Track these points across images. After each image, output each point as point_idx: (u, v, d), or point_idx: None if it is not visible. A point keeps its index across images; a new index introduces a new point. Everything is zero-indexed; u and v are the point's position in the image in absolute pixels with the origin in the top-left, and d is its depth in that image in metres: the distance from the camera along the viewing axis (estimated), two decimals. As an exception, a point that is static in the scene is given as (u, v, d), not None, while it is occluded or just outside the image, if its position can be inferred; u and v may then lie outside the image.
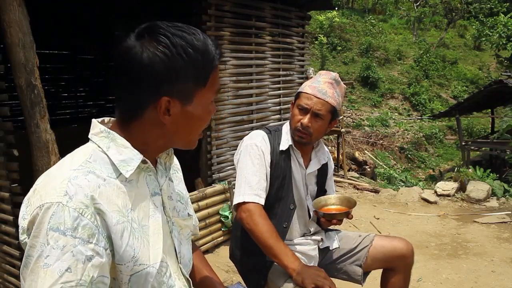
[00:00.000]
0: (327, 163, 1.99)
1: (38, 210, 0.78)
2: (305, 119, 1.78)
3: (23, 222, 0.81)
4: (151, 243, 0.91)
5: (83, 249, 0.77)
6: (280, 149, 1.84)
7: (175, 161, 1.12)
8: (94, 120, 0.93)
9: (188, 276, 1.04)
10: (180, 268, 1.01)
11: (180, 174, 1.14)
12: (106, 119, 0.95)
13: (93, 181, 0.83)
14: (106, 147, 0.88)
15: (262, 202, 1.73)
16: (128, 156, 0.89)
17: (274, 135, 1.87)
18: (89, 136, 0.91)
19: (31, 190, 0.84)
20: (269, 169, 1.80)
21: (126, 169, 0.88)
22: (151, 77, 0.84)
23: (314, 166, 1.92)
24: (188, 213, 1.09)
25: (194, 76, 0.87)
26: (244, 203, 1.71)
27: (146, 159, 0.91)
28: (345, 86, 1.91)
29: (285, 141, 1.85)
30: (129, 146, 0.89)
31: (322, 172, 1.97)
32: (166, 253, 0.95)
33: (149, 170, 0.94)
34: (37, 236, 0.77)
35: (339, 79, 1.85)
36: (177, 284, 0.97)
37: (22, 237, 0.81)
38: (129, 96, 0.87)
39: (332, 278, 1.61)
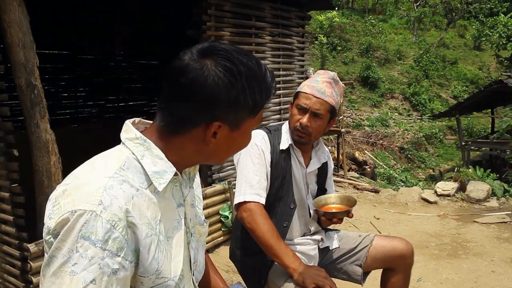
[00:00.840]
0: (327, 162, 1.99)
1: (70, 215, 0.76)
2: (304, 119, 1.78)
3: (49, 222, 0.79)
4: (173, 256, 0.90)
5: (110, 262, 0.77)
6: (280, 148, 1.84)
7: None
8: (128, 122, 0.91)
9: (196, 284, 1.04)
10: (192, 279, 1.01)
11: (198, 179, 1.13)
12: (137, 119, 0.94)
13: (127, 191, 0.82)
14: (140, 155, 0.87)
15: (263, 201, 1.73)
16: (162, 168, 0.87)
17: (274, 134, 1.87)
18: (123, 140, 0.89)
19: (59, 189, 0.82)
20: (269, 169, 1.80)
21: (159, 181, 0.87)
22: (211, 100, 0.83)
23: (314, 165, 1.92)
24: (204, 220, 1.09)
25: (249, 106, 0.87)
26: (244, 202, 1.71)
27: (178, 172, 0.91)
28: (343, 85, 1.90)
29: (285, 141, 1.86)
30: (163, 158, 0.88)
31: (322, 171, 1.97)
32: (183, 265, 0.95)
33: (176, 181, 0.94)
34: (65, 240, 0.76)
35: (338, 78, 1.84)
36: None
37: (47, 237, 0.80)
38: (181, 112, 0.86)
39: (332, 278, 1.61)
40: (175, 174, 0.90)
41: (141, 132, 0.89)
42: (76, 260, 0.75)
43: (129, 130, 0.89)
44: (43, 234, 0.81)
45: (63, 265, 0.75)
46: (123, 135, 0.89)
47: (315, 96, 1.76)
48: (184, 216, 0.96)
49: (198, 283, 1.06)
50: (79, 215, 0.76)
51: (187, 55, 0.85)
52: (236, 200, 1.74)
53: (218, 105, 0.84)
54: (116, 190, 0.80)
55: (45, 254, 0.80)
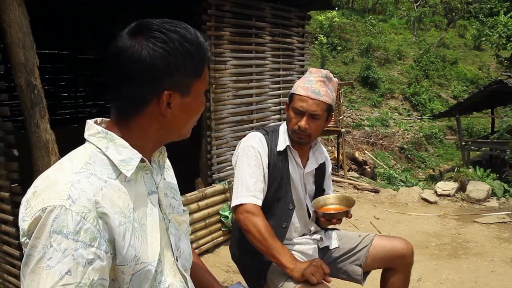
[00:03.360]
0: (324, 162, 1.99)
1: (41, 212, 0.78)
2: (302, 122, 1.77)
3: (23, 224, 0.81)
4: (149, 241, 0.92)
5: (85, 252, 0.79)
6: (278, 149, 1.84)
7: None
8: (89, 121, 0.93)
9: (184, 273, 1.04)
10: (177, 265, 1.02)
11: (171, 172, 1.16)
12: (99, 119, 0.96)
13: (95, 183, 0.84)
14: (105, 148, 0.89)
15: (260, 203, 1.73)
16: (127, 155, 0.90)
17: (271, 136, 1.87)
18: (86, 137, 0.92)
19: (30, 192, 0.84)
20: (266, 170, 1.80)
21: (127, 168, 0.89)
22: (153, 73, 0.86)
23: (312, 166, 1.92)
24: (183, 209, 1.11)
25: (191, 68, 0.90)
26: (241, 205, 1.72)
27: (144, 158, 0.93)
28: (337, 80, 1.90)
29: (282, 142, 1.86)
30: (127, 146, 0.90)
31: (320, 172, 1.97)
32: (161, 250, 0.96)
33: (146, 169, 0.96)
34: (39, 238, 0.78)
35: (331, 75, 1.83)
36: (169, 280, 0.97)
37: (23, 238, 0.82)
38: (130, 94, 0.88)
39: (332, 278, 1.62)
40: (142, 161, 0.92)
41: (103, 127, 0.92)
42: (51, 255, 0.77)
43: (90, 127, 0.92)
44: (20, 238, 0.83)
45: (39, 261, 0.77)
46: (86, 133, 0.92)
47: (310, 98, 1.76)
48: (158, 202, 0.98)
49: (188, 272, 1.07)
50: (50, 211, 0.78)
51: (119, 39, 0.89)
52: (233, 203, 1.75)
53: (160, 75, 0.87)
54: (83, 184, 0.82)
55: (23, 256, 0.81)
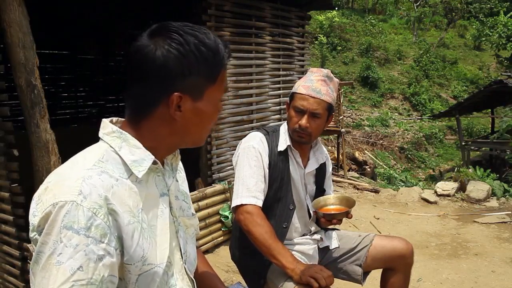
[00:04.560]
0: (325, 162, 1.99)
1: (52, 208, 0.78)
2: (303, 121, 1.77)
3: (33, 220, 0.81)
4: (158, 243, 0.92)
5: (95, 248, 0.78)
6: (278, 150, 1.84)
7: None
8: (104, 120, 0.93)
9: (192, 276, 1.04)
10: (185, 268, 1.01)
11: (183, 174, 1.16)
12: (115, 119, 0.96)
13: (106, 181, 0.84)
14: (118, 147, 0.89)
15: (260, 204, 1.73)
16: (140, 156, 0.90)
17: (272, 136, 1.87)
18: (100, 136, 0.92)
19: (42, 188, 0.84)
20: (267, 171, 1.80)
21: (138, 169, 0.89)
22: (164, 73, 0.86)
23: (312, 166, 1.92)
24: (192, 213, 1.11)
25: (205, 72, 0.89)
26: (242, 205, 1.71)
27: (157, 160, 0.93)
28: (338, 80, 1.90)
29: (283, 142, 1.85)
30: (141, 147, 0.90)
31: (320, 172, 1.97)
32: (171, 253, 0.96)
33: (158, 171, 0.95)
34: (49, 234, 0.77)
35: (331, 74, 1.83)
36: (179, 284, 0.97)
37: (32, 234, 0.81)
38: (142, 93, 0.88)
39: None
40: (155, 163, 0.92)
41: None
42: (61, 250, 0.76)
43: (105, 126, 0.92)
44: (30, 234, 0.83)
45: (50, 258, 0.76)
46: (100, 132, 0.92)
47: (311, 96, 1.76)
48: (169, 205, 0.98)
49: (192, 276, 1.07)
50: (60, 207, 0.78)
51: (139, 39, 0.89)
52: (234, 203, 1.75)
53: (171, 76, 0.86)
54: (94, 180, 0.82)
55: (33, 253, 0.81)
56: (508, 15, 22.78)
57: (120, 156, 0.89)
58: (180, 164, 1.14)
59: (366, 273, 1.97)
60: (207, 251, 4.02)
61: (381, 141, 16.00)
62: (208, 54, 0.88)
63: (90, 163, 0.85)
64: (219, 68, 0.91)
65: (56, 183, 0.82)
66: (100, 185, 0.82)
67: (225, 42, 0.94)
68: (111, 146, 0.89)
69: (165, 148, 0.96)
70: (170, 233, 0.95)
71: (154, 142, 0.92)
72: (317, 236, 1.97)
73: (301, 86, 1.80)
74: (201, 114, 0.92)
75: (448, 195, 6.20)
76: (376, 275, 2.04)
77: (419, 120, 19.68)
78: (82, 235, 0.77)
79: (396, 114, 20.06)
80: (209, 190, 4.05)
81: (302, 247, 1.91)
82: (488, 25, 23.65)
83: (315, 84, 1.78)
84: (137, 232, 0.87)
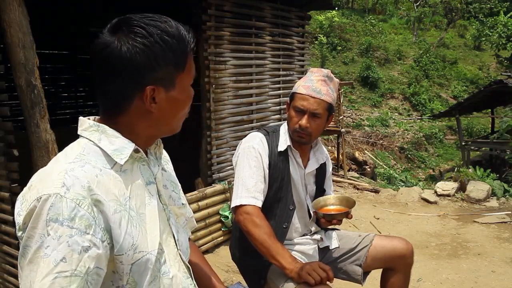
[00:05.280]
0: (325, 162, 1.99)
1: (36, 202, 0.79)
2: (303, 121, 1.77)
3: (19, 219, 0.81)
4: (148, 231, 0.92)
5: (80, 239, 0.78)
6: (278, 150, 1.84)
7: (165, 153, 1.14)
8: (81, 117, 0.94)
9: (188, 263, 1.04)
10: (180, 255, 1.01)
11: (170, 165, 1.16)
12: (92, 117, 0.96)
13: (89, 171, 0.84)
14: (97, 140, 0.89)
15: (260, 204, 1.73)
16: (120, 145, 0.90)
17: (272, 136, 1.87)
18: (79, 133, 0.92)
19: (26, 187, 0.85)
20: (267, 171, 1.80)
21: (120, 157, 0.89)
22: (134, 69, 0.86)
23: (312, 166, 1.92)
24: (182, 203, 1.11)
25: (173, 61, 0.89)
26: (241, 206, 1.71)
27: (139, 148, 0.93)
28: (338, 80, 1.90)
29: (283, 142, 1.85)
30: (120, 136, 0.91)
31: (320, 172, 1.97)
32: (164, 240, 0.96)
33: (142, 160, 0.96)
34: (35, 227, 0.78)
35: (332, 75, 1.84)
36: (173, 271, 0.97)
37: (19, 233, 0.82)
38: (113, 91, 0.88)
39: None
40: (137, 151, 0.92)
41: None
42: (48, 243, 0.76)
43: (83, 123, 0.93)
44: (17, 233, 0.83)
45: (37, 251, 0.77)
46: (79, 129, 0.93)
47: (311, 97, 1.76)
48: (157, 193, 0.98)
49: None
50: (45, 200, 0.78)
51: (100, 36, 0.89)
52: (233, 204, 1.75)
53: (141, 70, 0.86)
54: (77, 171, 0.83)
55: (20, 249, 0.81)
56: (508, 15, 22.77)
57: (100, 148, 0.89)
58: (167, 156, 1.15)
59: (366, 273, 1.98)
60: (207, 251, 4.02)
61: (381, 141, 16.00)
62: (173, 42, 0.88)
63: (72, 157, 0.86)
64: (185, 55, 0.92)
65: (39, 180, 0.83)
66: (83, 176, 0.82)
67: (186, 26, 0.94)
68: (90, 140, 0.90)
69: (144, 140, 0.96)
70: (161, 221, 0.96)
71: (132, 135, 0.92)
72: (317, 236, 1.97)
73: (301, 86, 1.80)
74: (176, 102, 0.93)
75: (448, 195, 6.20)
76: (376, 275, 2.04)
77: (419, 120, 19.68)
78: (66, 226, 0.77)
79: (396, 114, 20.06)
80: (209, 190, 4.05)
81: (302, 247, 1.91)
82: (488, 25, 23.65)
83: (315, 84, 1.78)
84: (125, 220, 0.86)
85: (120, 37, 0.86)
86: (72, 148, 0.90)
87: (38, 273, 0.75)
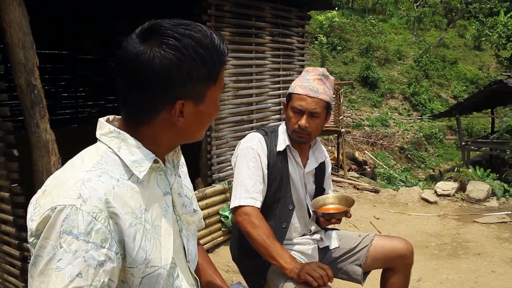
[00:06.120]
0: (324, 161, 1.99)
1: (50, 212, 0.76)
2: (302, 121, 1.77)
3: (31, 224, 0.79)
4: (162, 244, 0.90)
5: (96, 254, 0.77)
6: (277, 150, 1.84)
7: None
8: (101, 120, 0.90)
9: (195, 275, 1.04)
10: (189, 267, 1.01)
11: (185, 169, 1.14)
12: (111, 117, 0.93)
13: (107, 182, 0.82)
14: (117, 148, 0.86)
15: (258, 205, 1.73)
16: (140, 156, 0.87)
17: (270, 136, 1.87)
18: (98, 136, 0.89)
19: (40, 191, 0.82)
20: (266, 171, 1.80)
21: (139, 169, 0.86)
22: (165, 82, 0.82)
23: (312, 165, 1.92)
24: (194, 209, 1.09)
25: (206, 75, 0.85)
26: (240, 207, 1.72)
27: (158, 159, 0.90)
28: (333, 78, 1.90)
29: (282, 142, 1.86)
30: (140, 146, 0.88)
31: (320, 171, 1.97)
32: (175, 253, 0.94)
33: (160, 169, 0.93)
34: (48, 238, 0.76)
35: (327, 73, 1.84)
36: (184, 285, 0.96)
37: (31, 239, 0.79)
38: (140, 102, 0.85)
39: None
40: (156, 162, 0.90)
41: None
42: (61, 256, 0.75)
43: (102, 126, 0.89)
44: (28, 238, 0.81)
45: (49, 263, 0.75)
46: (97, 132, 0.89)
47: (309, 96, 1.76)
48: (172, 204, 0.96)
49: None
50: (59, 211, 0.76)
51: (129, 43, 0.83)
52: (232, 204, 1.75)
53: (173, 84, 0.82)
54: (94, 182, 0.80)
55: (31, 256, 0.79)
56: (508, 15, 22.77)
57: (119, 157, 0.86)
58: (182, 159, 1.11)
59: (366, 273, 1.98)
60: (207, 251, 4.01)
61: (381, 141, 15.99)
62: (207, 55, 0.84)
63: (89, 165, 0.83)
64: (218, 68, 0.87)
65: (54, 186, 0.80)
66: (101, 187, 0.80)
67: (221, 35, 0.89)
68: (109, 147, 0.86)
69: (165, 148, 0.94)
70: (174, 233, 0.94)
71: (153, 146, 0.90)
72: (317, 236, 1.97)
73: (298, 86, 1.80)
74: (203, 115, 0.90)
75: (448, 195, 6.20)
76: (376, 275, 2.04)
77: (419, 120, 19.67)
78: (82, 241, 0.75)
79: (396, 114, 20.05)
80: (209, 190, 4.05)
81: (302, 247, 1.91)
82: (488, 25, 23.64)
83: (312, 83, 1.78)
84: (139, 234, 0.85)
85: (152, 47, 0.81)
86: (89, 154, 0.86)
87: (50, 286, 0.74)
